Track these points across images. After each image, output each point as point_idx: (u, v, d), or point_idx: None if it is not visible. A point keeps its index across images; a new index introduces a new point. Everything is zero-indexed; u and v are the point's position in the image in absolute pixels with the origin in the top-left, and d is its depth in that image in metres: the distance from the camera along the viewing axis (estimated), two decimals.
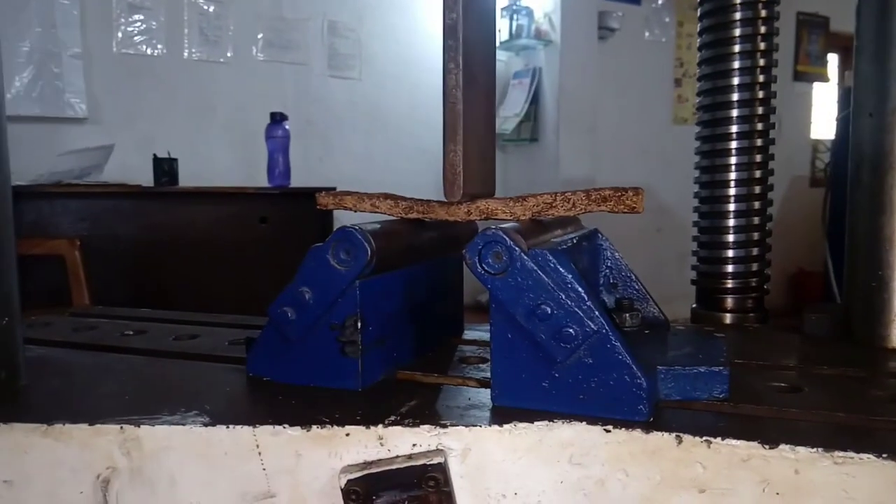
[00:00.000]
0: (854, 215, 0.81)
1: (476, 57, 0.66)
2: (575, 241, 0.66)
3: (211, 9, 3.80)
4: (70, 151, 2.82)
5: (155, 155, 2.87)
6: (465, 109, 0.64)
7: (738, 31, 0.95)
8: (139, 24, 3.61)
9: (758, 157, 0.97)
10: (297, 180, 2.99)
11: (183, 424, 0.54)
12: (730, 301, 1.00)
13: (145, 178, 2.88)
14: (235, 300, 2.63)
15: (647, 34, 5.00)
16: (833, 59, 5.94)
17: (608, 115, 4.72)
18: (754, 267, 0.99)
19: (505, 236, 0.55)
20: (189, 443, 0.53)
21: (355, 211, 0.70)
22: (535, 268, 0.55)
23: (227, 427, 0.54)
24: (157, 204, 2.76)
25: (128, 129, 3.54)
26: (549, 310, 0.54)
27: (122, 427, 0.54)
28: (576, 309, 0.54)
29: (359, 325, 0.61)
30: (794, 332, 0.87)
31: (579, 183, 4.36)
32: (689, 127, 5.16)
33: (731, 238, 0.99)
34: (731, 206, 0.98)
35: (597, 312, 0.54)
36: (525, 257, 0.55)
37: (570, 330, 0.54)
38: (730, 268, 0.99)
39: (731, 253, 0.99)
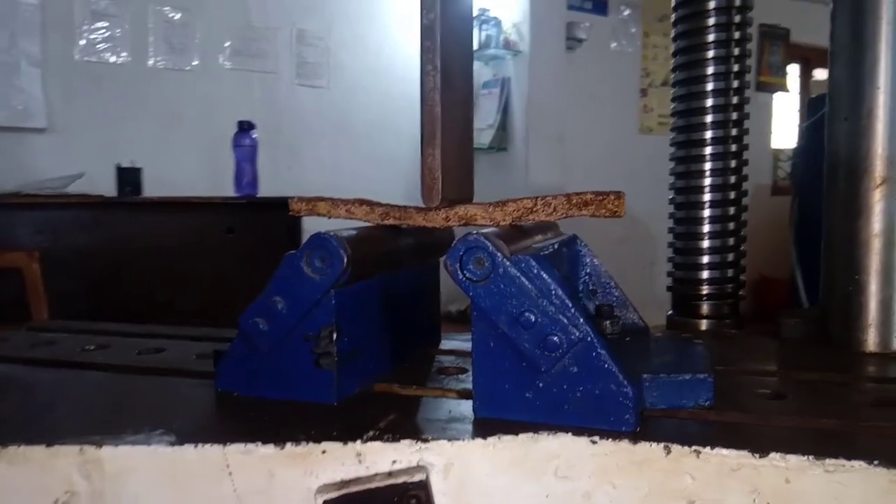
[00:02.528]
0: (830, 220, 0.81)
1: (454, 59, 0.64)
2: (556, 247, 0.65)
3: (177, 16, 3.74)
4: (36, 181, 2.73)
5: (118, 164, 2.80)
6: (442, 112, 0.62)
7: (711, 37, 0.95)
8: (103, 31, 3.54)
9: (732, 163, 0.97)
10: (265, 190, 2.95)
11: (147, 444, 0.51)
12: (706, 307, 0.99)
13: (107, 188, 2.81)
14: (202, 312, 2.57)
15: (613, 45, 5.06)
16: (793, 70, 6.07)
17: (576, 125, 4.76)
18: (730, 273, 0.99)
19: (487, 242, 0.53)
20: (154, 464, 0.50)
21: (329, 217, 0.68)
22: (518, 274, 0.53)
23: (195, 446, 0.51)
24: (121, 215, 2.69)
25: (90, 139, 3.45)
26: (532, 317, 0.53)
27: (81, 448, 0.51)
28: (560, 316, 0.53)
29: (334, 335, 0.59)
30: (769, 337, 0.87)
31: (548, 192, 4.36)
32: (654, 136, 5.23)
33: (706, 244, 0.98)
34: (706, 212, 0.98)
35: (581, 320, 0.53)
36: (508, 263, 0.53)
37: (555, 338, 0.52)
38: (705, 274, 0.99)
39: (706, 259, 0.99)
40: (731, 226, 0.98)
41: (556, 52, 4.63)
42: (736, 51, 0.96)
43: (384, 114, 4.39)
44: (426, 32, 0.61)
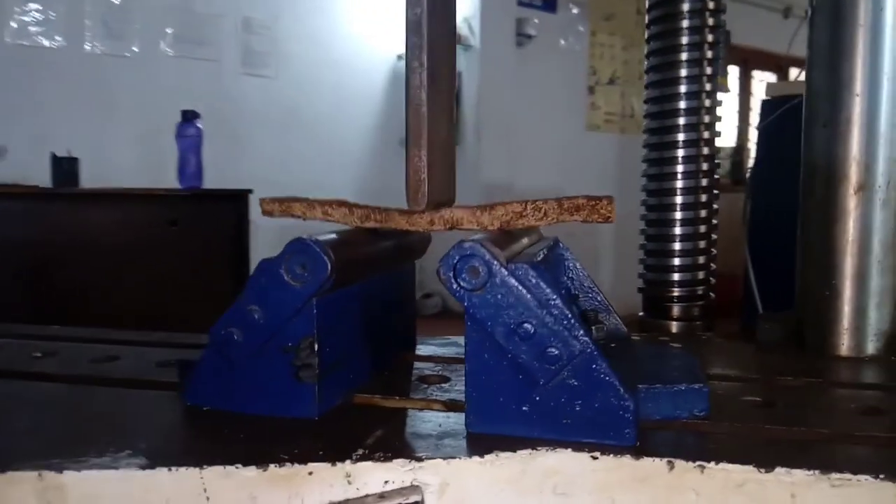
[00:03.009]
0: (806, 225, 0.81)
1: (440, 55, 0.61)
2: (546, 253, 0.63)
3: (115, 0, 3.58)
4: None
5: (53, 154, 2.66)
6: (428, 111, 0.59)
7: (685, 40, 0.95)
8: (36, 13, 3.35)
9: (704, 165, 0.97)
10: (209, 181, 2.85)
11: (115, 468, 0.46)
12: (677, 309, 0.99)
13: (42, 178, 2.66)
14: (144, 309, 2.47)
15: (562, 42, 5.08)
16: (733, 72, 6.22)
17: (525, 121, 4.77)
18: (700, 275, 0.99)
19: (483, 249, 0.51)
20: (124, 490, 0.46)
21: (304, 219, 0.64)
22: (516, 284, 0.50)
23: (170, 469, 0.47)
24: (56, 206, 2.55)
25: (22, 126, 3.27)
26: (531, 328, 0.50)
27: (40, 474, 0.46)
28: (559, 327, 0.50)
29: (315, 346, 0.55)
30: (742, 340, 0.87)
31: (499, 188, 4.37)
32: (601, 133, 5.30)
33: (677, 246, 0.98)
34: (678, 215, 0.98)
35: (581, 331, 0.51)
36: (504, 272, 0.51)
37: (555, 350, 0.50)
38: (676, 276, 0.99)
39: (677, 261, 0.98)
40: (703, 228, 0.98)
41: (506, 48, 4.63)
42: (709, 54, 0.95)
43: (337, 104, 4.32)
44: (413, 27, 0.58)
